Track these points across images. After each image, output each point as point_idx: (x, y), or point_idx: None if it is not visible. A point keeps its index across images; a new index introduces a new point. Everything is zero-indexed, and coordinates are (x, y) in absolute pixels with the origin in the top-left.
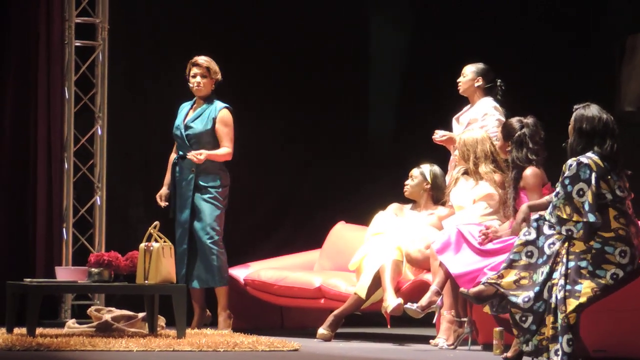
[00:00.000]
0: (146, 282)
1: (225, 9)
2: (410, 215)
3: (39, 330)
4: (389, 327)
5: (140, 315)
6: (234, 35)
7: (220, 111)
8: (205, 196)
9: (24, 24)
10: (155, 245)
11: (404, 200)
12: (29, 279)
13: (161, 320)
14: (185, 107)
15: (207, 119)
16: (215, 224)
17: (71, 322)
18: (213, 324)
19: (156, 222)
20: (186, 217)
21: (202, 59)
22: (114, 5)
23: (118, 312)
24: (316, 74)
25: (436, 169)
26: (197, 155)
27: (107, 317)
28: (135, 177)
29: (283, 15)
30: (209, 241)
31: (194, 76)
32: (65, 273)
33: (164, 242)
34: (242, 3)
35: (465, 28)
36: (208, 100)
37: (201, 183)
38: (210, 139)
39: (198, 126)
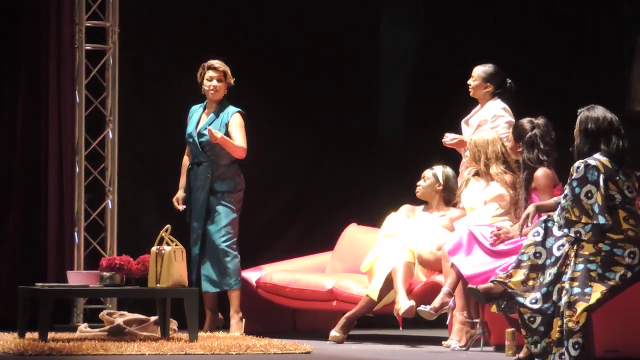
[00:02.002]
0: (158, 285)
1: (235, 12)
2: (422, 217)
3: (51, 335)
4: (401, 329)
5: (153, 318)
6: (244, 37)
7: (232, 116)
8: (221, 200)
9: (35, 28)
10: (167, 248)
11: (415, 201)
12: (40, 284)
13: (173, 324)
14: (196, 111)
15: (220, 125)
16: (230, 227)
17: (83, 327)
18: (225, 327)
19: (167, 226)
20: (200, 221)
21: (217, 63)
22: (124, 8)
23: (130, 315)
24: (327, 75)
25: (449, 170)
26: (216, 134)
27: (119, 321)
28: (147, 181)
29: (297, 17)
30: (223, 244)
31: (210, 80)
32: (77, 277)
33: (176, 245)
34: (252, 5)
35: (475, 29)
36: (221, 104)
37: (217, 188)
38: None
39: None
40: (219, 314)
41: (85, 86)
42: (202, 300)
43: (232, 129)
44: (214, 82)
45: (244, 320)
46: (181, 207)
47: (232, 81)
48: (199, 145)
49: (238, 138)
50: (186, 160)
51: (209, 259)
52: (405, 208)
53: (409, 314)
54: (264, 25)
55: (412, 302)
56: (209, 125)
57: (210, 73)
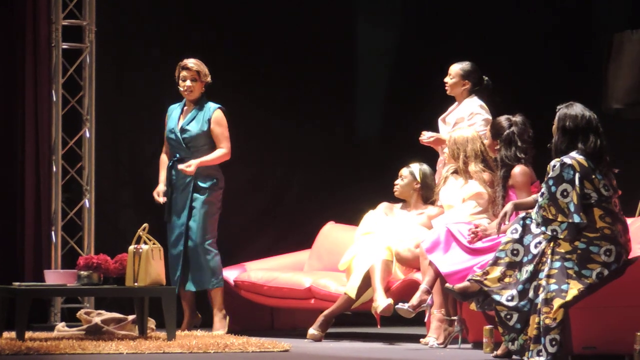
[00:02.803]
0: (136, 284)
1: (211, 10)
2: (400, 215)
3: (28, 334)
4: (379, 327)
5: (130, 317)
6: (220, 36)
7: (214, 112)
8: (203, 197)
9: (11, 27)
10: (144, 247)
11: (393, 199)
12: (17, 283)
13: (151, 323)
14: (174, 109)
15: (202, 120)
16: (211, 226)
17: (61, 326)
18: (204, 325)
19: (145, 225)
20: (183, 219)
21: (191, 63)
22: (101, 7)
23: (108, 314)
24: (303, 74)
25: (426, 168)
26: (187, 168)
27: (97, 320)
28: (124, 180)
29: (270, 15)
30: (205, 243)
31: (184, 80)
32: (54, 276)
33: (153, 244)
34: (229, 4)
35: (452, 27)
36: (199, 102)
37: (200, 184)
38: (207, 140)
39: (194, 128)
40: (197, 313)
41: (62, 85)
42: (181, 299)
43: (214, 129)
44: (188, 82)
45: (227, 318)
46: (162, 200)
47: (208, 79)
48: (182, 141)
49: (221, 139)
50: (164, 158)
51: (190, 257)
52: (383, 206)
53: (386, 312)
54: (241, 24)
55: (390, 300)
56: (191, 121)
57: (183, 73)
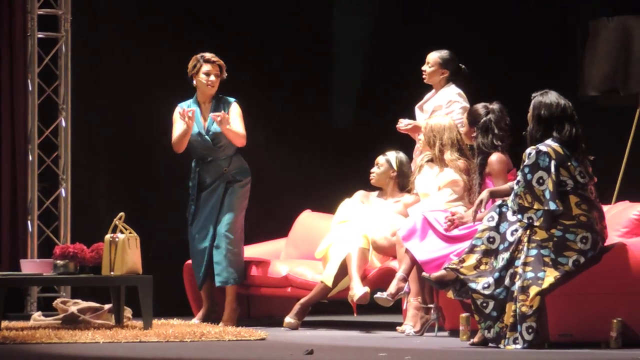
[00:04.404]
0: (112, 273)
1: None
2: (377, 203)
3: (4, 324)
4: (355, 315)
5: (107, 306)
6: (196, 25)
7: (231, 105)
8: (238, 190)
9: None
10: (120, 236)
11: (370, 187)
12: None
13: (127, 312)
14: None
15: None
16: (240, 221)
17: (37, 315)
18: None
19: (121, 214)
20: (213, 215)
21: (214, 57)
22: None
23: (84, 304)
24: (279, 62)
25: (402, 156)
26: (219, 118)
27: (73, 309)
28: (100, 169)
29: (245, 2)
30: (234, 237)
31: (208, 74)
32: (30, 266)
33: (130, 233)
34: None
35: (428, 15)
36: (214, 97)
37: (236, 177)
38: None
39: (218, 127)
40: (216, 302)
41: (37, 74)
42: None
43: (232, 118)
44: (212, 77)
45: (238, 311)
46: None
47: (225, 75)
48: (211, 142)
49: (239, 127)
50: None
51: (219, 252)
52: (360, 194)
53: (363, 300)
54: (217, 12)
55: (367, 289)
56: (214, 123)
57: (207, 67)
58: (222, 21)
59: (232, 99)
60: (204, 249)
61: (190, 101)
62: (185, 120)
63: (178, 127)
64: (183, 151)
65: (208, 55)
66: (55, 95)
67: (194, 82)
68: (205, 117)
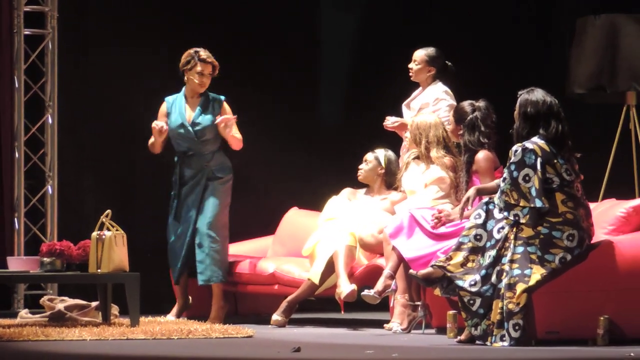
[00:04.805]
0: (99, 271)
1: None
2: (364, 200)
3: None
4: (342, 312)
5: (94, 304)
6: (183, 23)
7: (222, 104)
8: (218, 187)
9: None
10: (107, 233)
11: (357, 185)
12: None
13: (114, 309)
14: (176, 102)
15: (212, 112)
16: (224, 218)
17: (24, 312)
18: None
19: (108, 211)
20: (193, 211)
21: (208, 56)
22: None
23: (71, 301)
24: (266, 59)
25: (391, 154)
26: (226, 119)
27: (60, 306)
28: (87, 166)
29: (236, 1)
30: (218, 235)
31: (201, 73)
32: (17, 263)
33: (116, 230)
34: None
35: (414, 12)
36: (203, 94)
37: (217, 174)
38: (217, 131)
39: (205, 121)
40: (189, 297)
41: (24, 71)
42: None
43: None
44: (205, 77)
45: (226, 308)
46: (163, 125)
47: (216, 72)
48: (195, 134)
49: (235, 130)
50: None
51: (200, 249)
52: (347, 191)
53: (350, 298)
54: (205, 9)
55: (354, 286)
56: (202, 113)
57: (201, 66)
58: (210, 17)
59: (222, 97)
60: (183, 244)
61: (178, 95)
62: (156, 135)
63: (154, 135)
64: (162, 151)
65: (203, 54)
66: (41, 92)
67: (185, 77)
68: (192, 109)
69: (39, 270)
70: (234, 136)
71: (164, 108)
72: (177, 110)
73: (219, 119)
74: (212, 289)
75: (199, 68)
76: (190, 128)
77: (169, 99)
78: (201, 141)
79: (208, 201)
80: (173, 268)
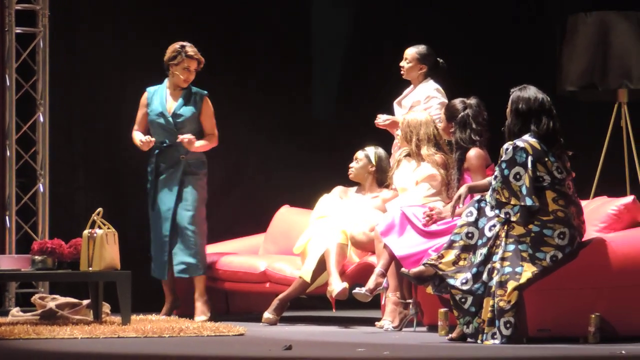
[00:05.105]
0: (90, 269)
1: None
2: (355, 198)
3: None
4: (334, 310)
5: (85, 302)
6: (175, 19)
7: (204, 99)
8: (194, 182)
9: None
10: (98, 232)
11: (348, 183)
12: None
13: (106, 307)
14: (156, 92)
15: (193, 106)
16: (201, 212)
17: (15, 311)
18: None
19: (99, 209)
20: (170, 205)
21: (195, 52)
22: None
23: (62, 299)
24: (259, 56)
25: (381, 151)
26: (188, 143)
27: (52, 304)
28: (79, 164)
29: None
30: (195, 229)
31: (188, 69)
32: (8, 261)
33: (108, 228)
34: None
35: (406, 10)
36: (187, 87)
37: (192, 168)
38: (196, 125)
39: (186, 113)
40: (177, 296)
41: (15, 70)
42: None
43: (205, 115)
44: (191, 73)
45: (209, 303)
46: (150, 139)
47: (200, 68)
48: (175, 125)
49: (212, 126)
50: (138, 135)
51: (179, 243)
52: (338, 189)
53: (341, 296)
54: (196, 3)
55: (345, 284)
56: (183, 105)
57: (187, 62)
58: (201, 12)
59: (204, 92)
60: (165, 238)
61: (160, 86)
62: (143, 148)
63: (137, 136)
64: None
65: (190, 50)
66: (33, 90)
67: (170, 71)
68: (175, 100)
69: (30, 269)
70: (202, 146)
71: (144, 98)
72: (158, 100)
73: (180, 138)
74: (194, 284)
75: (185, 64)
76: (170, 118)
77: (150, 89)
78: (180, 133)
79: (187, 196)
80: (157, 263)
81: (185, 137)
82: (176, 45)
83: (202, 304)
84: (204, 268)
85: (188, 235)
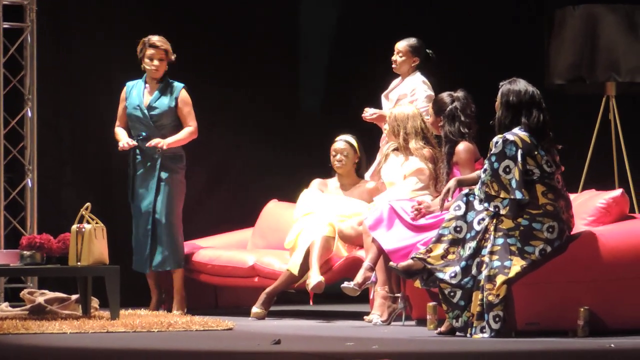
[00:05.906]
0: (79, 264)
1: None
2: (337, 190)
3: None
4: (311, 304)
5: (74, 297)
6: (162, 13)
7: (181, 91)
8: (172, 176)
9: None
10: (87, 226)
11: (325, 175)
12: None
13: (95, 302)
14: (134, 86)
15: (169, 98)
16: (178, 206)
17: (4, 306)
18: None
19: (88, 204)
20: (150, 198)
21: (159, 41)
22: None
23: (51, 294)
24: (245, 51)
25: (355, 138)
26: (159, 145)
27: (40, 299)
28: (67, 159)
29: None
30: (172, 222)
31: (151, 58)
32: None
33: (96, 223)
34: None
35: (394, 3)
36: (162, 80)
37: (168, 163)
38: (173, 118)
39: (162, 106)
40: (163, 290)
41: (3, 65)
42: (147, 278)
43: (182, 108)
44: (156, 62)
45: (185, 300)
46: (132, 142)
47: (173, 58)
48: (150, 118)
49: (189, 118)
50: (121, 129)
51: (157, 237)
52: (317, 182)
53: (317, 290)
54: (183, 1)
55: (321, 278)
56: (159, 98)
57: (150, 51)
58: (188, 9)
59: (180, 85)
60: (147, 232)
61: (139, 80)
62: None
63: (121, 136)
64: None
65: (154, 39)
66: (20, 85)
67: (142, 65)
68: (151, 94)
69: (18, 264)
70: (177, 141)
71: (123, 93)
72: (135, 93)
73: (152, 142)
74: (173, 278)
75: (148, 52)
76: (146, 111)
77: (129, 83)
78: (156, 126)
79: (166, 192)
80: (139, 256)
81: (152, 142)
82: (143, 39)
83: (178, 301)
84: (181, 261)
85: (164, 229)
